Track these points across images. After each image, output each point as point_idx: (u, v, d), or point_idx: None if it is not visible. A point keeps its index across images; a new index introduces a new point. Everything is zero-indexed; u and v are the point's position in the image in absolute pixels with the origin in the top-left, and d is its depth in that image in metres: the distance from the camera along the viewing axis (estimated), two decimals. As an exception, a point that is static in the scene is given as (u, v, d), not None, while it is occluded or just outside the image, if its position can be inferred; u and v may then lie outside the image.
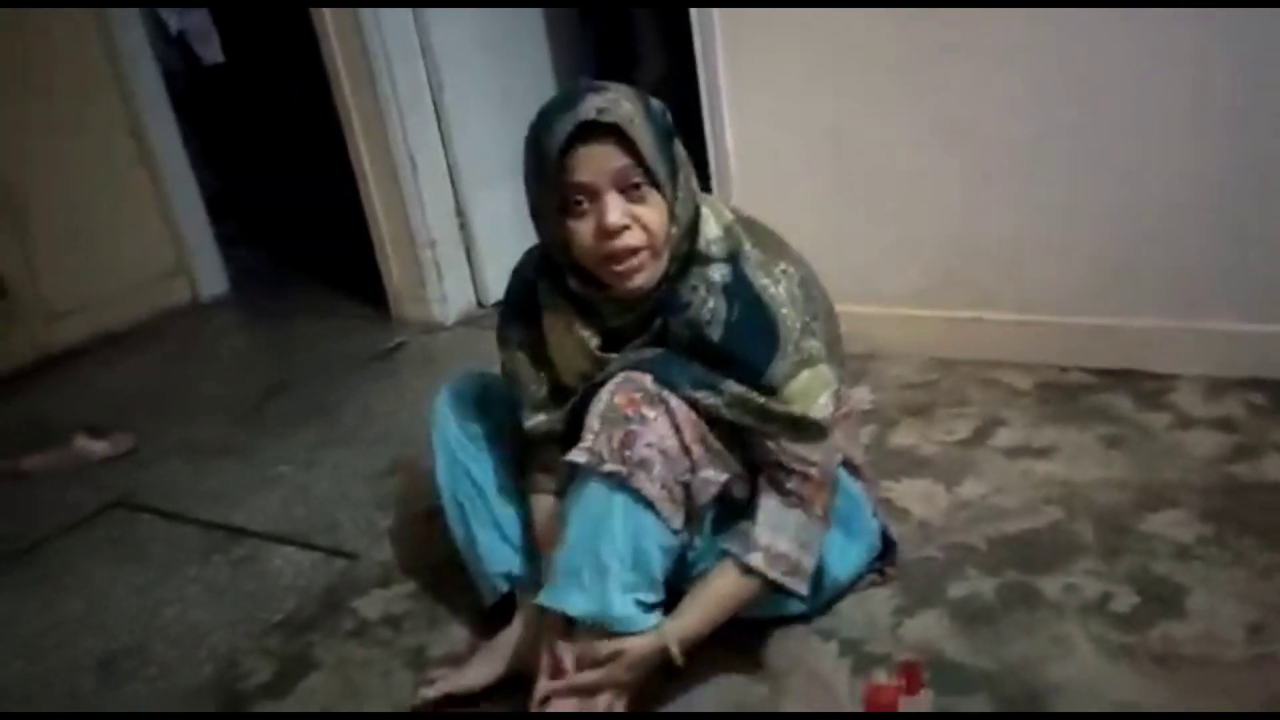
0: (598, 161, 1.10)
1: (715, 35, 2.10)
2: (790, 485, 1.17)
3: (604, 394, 1.14)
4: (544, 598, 1.14)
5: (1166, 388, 1.85)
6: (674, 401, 1.13)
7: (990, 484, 1.64)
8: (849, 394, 1.39)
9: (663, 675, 1.20)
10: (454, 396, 1.43)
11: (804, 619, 1.34)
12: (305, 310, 3.24)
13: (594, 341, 1.22)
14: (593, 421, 1.12)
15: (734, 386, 1.14)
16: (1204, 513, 1.48)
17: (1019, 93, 1.89)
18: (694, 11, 2.11)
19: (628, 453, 1.10)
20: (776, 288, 1.17)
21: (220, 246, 3.60)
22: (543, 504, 1.33)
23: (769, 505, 1.18)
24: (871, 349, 2.13)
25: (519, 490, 1.38)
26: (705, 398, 1.14)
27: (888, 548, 1.41)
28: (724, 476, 1.17)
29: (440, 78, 2.70)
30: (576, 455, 1.12)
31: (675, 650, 1.14)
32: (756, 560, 1.17)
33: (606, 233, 1.10)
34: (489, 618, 1.40)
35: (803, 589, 1.20)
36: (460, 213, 2.83)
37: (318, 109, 2.96)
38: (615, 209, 1.10)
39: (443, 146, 2.76)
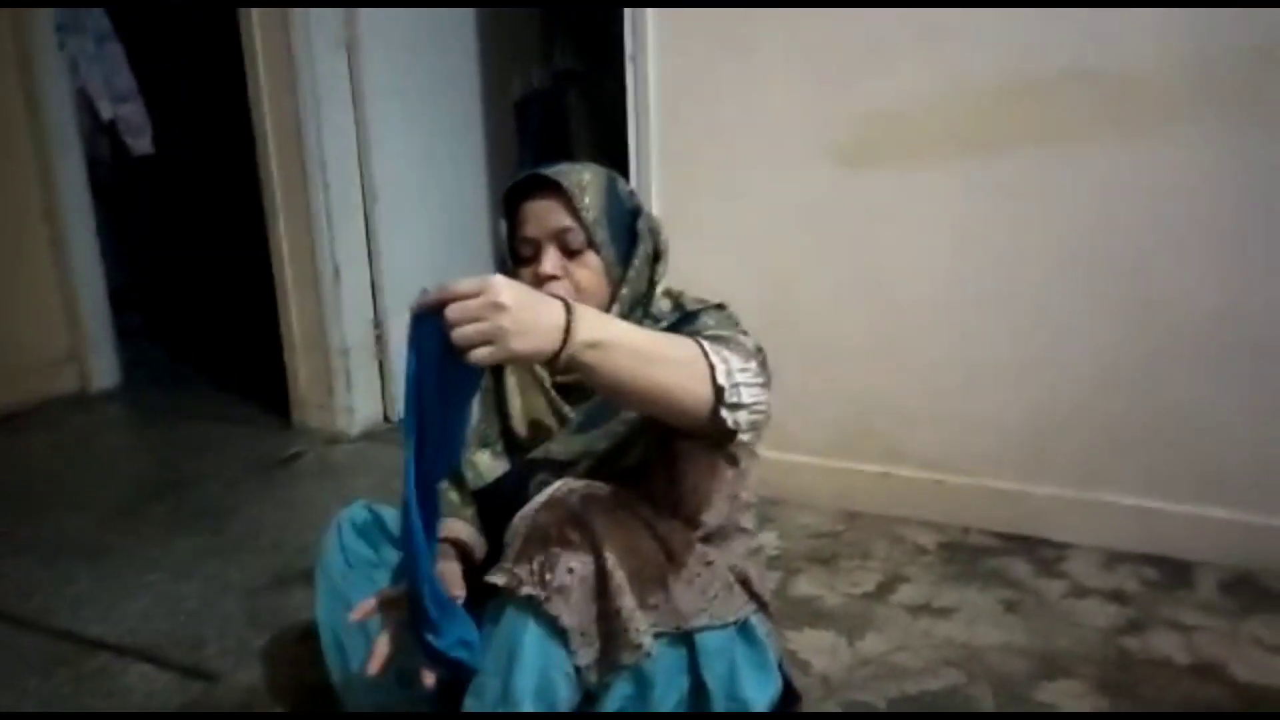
0: (541, 216, 1.19)
1: (651, 169, 2.18)
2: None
3: (529, 510, 1.10)
4: None
5: (1063, 555, 1.89)
6: (599, 526, 1.08)
7: (892, 641, 1.61)
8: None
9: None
10: (343, 525, 1.39)
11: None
12: (201, 411, 3.11)
13: (550, 386, 1.25)
14: (515, 541, 1.08)
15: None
16: (1098, 684, 1.48)
17: (939, 258, 1.98)
18: (632, 145, 2.18)
19: (548, 576, 1.05)
20: (720, 314, 1.21)
21: (121, 339, 3.48)
22: (451, 529, 1.29)
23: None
24: (780, 495, 2.13)
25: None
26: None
27: (790, 700, 1.35)
28: (648, 637, 1.09)
29: (375, 188, 2.71)
30: (496, 576, 1.07)
31: (579, 331, 0.93)
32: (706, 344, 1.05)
33: (539, 280, 1.17)
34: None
35: (730, 399, 1.04)
36: (378, 324, 2.80)
37: (243, 207, 2.93)
38: (549, 260, 1.18)
39: (369, 256, 2.75)
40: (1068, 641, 1.60)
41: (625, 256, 1.22)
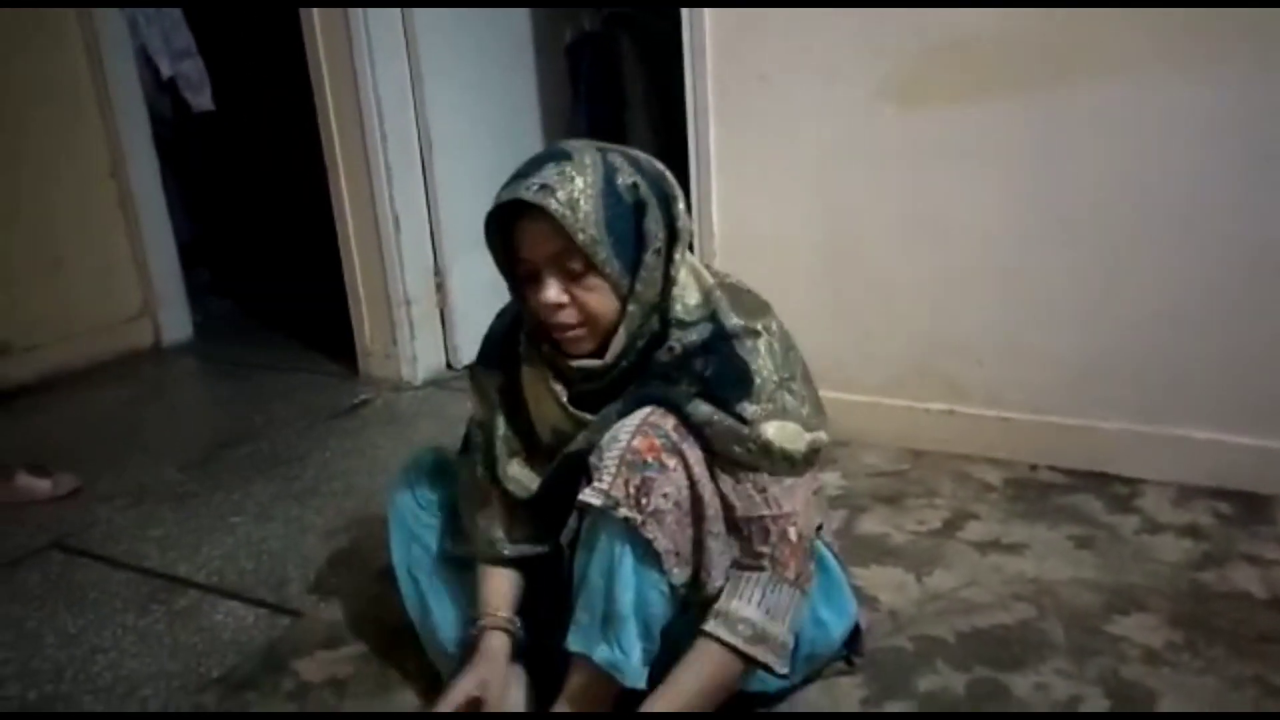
0: (535, 242, 1.12)
1: (708, 111, 2.14)
2: (763, 547, 1.13)
3: (622, 435, 1.10)
4: (572, 643, 1.12)
5: (1135, 492, 1.86)
6: (694, 453, 1.11)
7: (961, 577, 1.61)
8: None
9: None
10: (410, 467, 1.45)
11: (769, 701, 1.29)
12: (270, 362, 3.19)
13: (564, 396, 1.21)
14: (609, 463, 1.09)
15: (704, 407, 1.12)
16: (1173, 618, 1.46)
17: (1000, 194, 1.94)
18: (689, 87, 2.15)
19: (644, 500, 1.07)
20: (755, 343, 1.15)
21: (190, 294, 3.57)
22: (495, 573, 1.30)
23: (735, 573, 1.15)
24: (842, 436, 2.12)
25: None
26: (691, 408, 1.11)
27: (855, 634, 1.37)
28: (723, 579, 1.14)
29: (430, 136, 2.72)
30: (591, 496, 1.09)
31: None
32: (715, 626, 1.13)
33: (546, 309, 1.13)
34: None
35: (775, 662, 1.14)
36: (438, 273, 2.83)
37: (304, 162, 2.97)
38: (550, 288, 1.12)
39: (427, 206, 2.77)
40: (1141, 576, 1.58)
41: (633, 262, 1.13)
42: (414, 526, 1.41)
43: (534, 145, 3.00)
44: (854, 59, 1.99)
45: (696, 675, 1.14)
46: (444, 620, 1.35)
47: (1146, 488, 1.87)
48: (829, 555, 1.28)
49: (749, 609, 1.13)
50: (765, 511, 1.13)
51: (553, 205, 1.07)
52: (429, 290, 2.83)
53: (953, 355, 2.07)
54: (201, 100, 3.80)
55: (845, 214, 2.09)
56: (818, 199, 2.11)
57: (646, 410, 1.12)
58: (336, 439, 2.47)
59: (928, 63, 1.92)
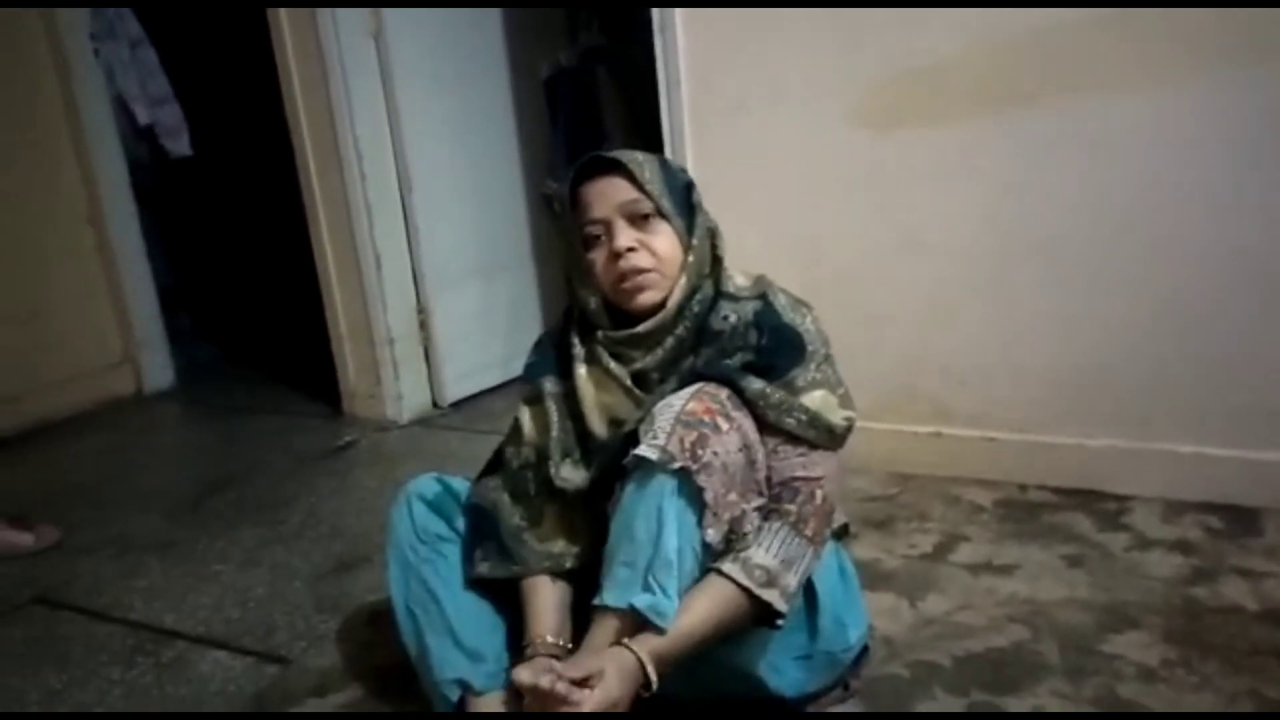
0: (605, 194, 1.23)
1: (685, 141, 2.16)
2: (790, 505, 1.18)
3: (676, 401, 1.15)
4: (608, 598, 1.12)
5: (1124, 508, 1.86)
6: (746, 422, 1.16)
7: (954, 600, 1.61)
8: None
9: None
10: (410, 498, 1.41)
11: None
12: (254, 406, 3.17)
13: (628, 379, 1.26)
14: (663, 424, 1.12)
15: (757, 382, 1.19)
16: (1166, 635, 1.46)
17: (977, 214, 1.96)
18: (665, 118, 2.17)
19: (699, 452, 1.10)
20: (804, 320, 1.26)
21: (171, 339, 3.55)
22: (544, 595, 1.27)
23: (757, 523, 1.17)
24: (832, 461, 2.12)
25: (474, 591, 1.33)
26: (745, 382, 1.18)
27: (863, 653, 1.37)
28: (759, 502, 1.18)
29: (410, 173, 2.73)
30: (648, 451, 1.11)
31: (650, 670, 1.08)
32: (731, 568, 1.14)
33: (617, 254, 1.22)
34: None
35: (781, 604, 1.14)
36: (422, 310, 2.82)
37: (283, 204, 2.97)
38: (623, 233, 1.22)
39: (408, 243, 2.77)
40: (1134, 594, 1.58)
41: (688, 228, 1.26)
42: (412, 559, 1.36)
43: (514, 179, 3.01)
44: (827, 86, 2.01)
45: (705, 605, 1.13)
46: (442, 659, 1.32)
47: (1135, 504, 1.87)
48: (850, 563, 1.30)
49: (766, 557, 1.15)
50: (799, 474, 1.19)
51: (625, 158, 1.23)
52: (413, 328, 2.83)
53: (938, 377, 2.08)
54: (179, 146, 3.80)
55: (825, 239, 2.10)
56: (797, 225, 2.12)
57: (700, 384, 1.17)
58: (323, 481, 2.45)
59: (899, 89, 1.95)
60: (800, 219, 2.12)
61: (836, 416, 1.22)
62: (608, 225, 1.23)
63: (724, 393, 1.17)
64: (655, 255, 1.23)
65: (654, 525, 1.11)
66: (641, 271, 1.23)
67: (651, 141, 2.23)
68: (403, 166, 2.72)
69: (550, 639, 1.23)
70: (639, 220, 1.23)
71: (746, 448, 1.15)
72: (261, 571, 1.97)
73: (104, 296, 3.33)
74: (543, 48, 3.17)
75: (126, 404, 3.33)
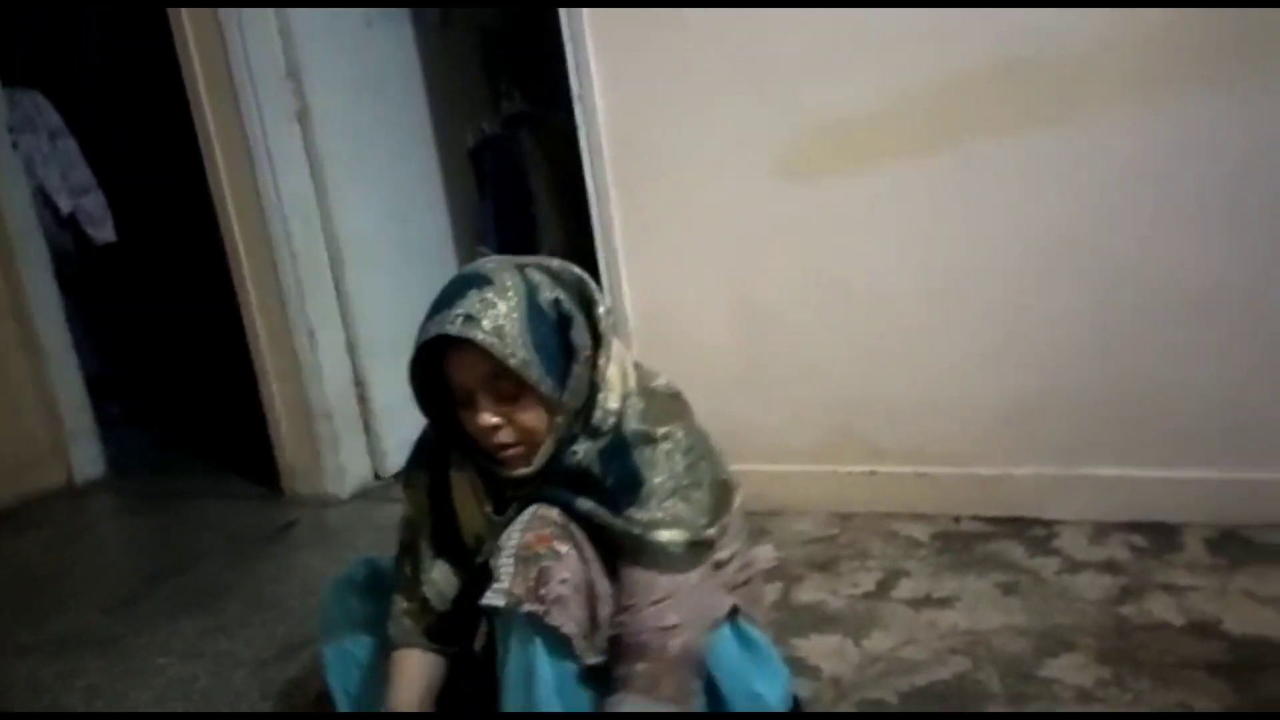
0: (467, 368, 1.14)
1: (610, 202, 2.22)
2: (639, 666, 1.11)
3: (514, 534, 1.14)
4: None
5: (1053, 532, 1.93)
6: (579, 534, 1.14)
7: (897, 636, 1.64)
8: (753, 555, 1.40)
9: None
10: (342, 583, 1.42)
11: None
12: (190, 491, 3.11)
13: (488, 507, 1.24)
14: (505, 563, 1.11)
15: (587, 502, 1.16)
16: (1100, 655, 1.51)
17: (898, 256, 2.03)
18: (590, 181, 2.22)
19: (543, 590, 1.09)
20: (652, 452, 1.16)
21: (101, 428, 3.47)
22: (410, 674, 1.28)
23: (611, 699, 1.12)
24: (773, 506, 2.16)
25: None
26: (577, 503, 1.15)
27: (795, 707, 1.38)
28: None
29: (340, 246, 2.75)
30: (494, 599, 1.10)
31: None
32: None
33: (484, 431, 1.15)
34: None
35: None
36: (359, 383, 2.82)
37: (212, 285, 2.95)
38: (485, 412, 1.15)
39: (341, 317, 2.77)
40: (1067, 617, 1.63)
41: (563, 374, 1.15)
42: (349, 645, 1.37)
43: (444, 246, 3.04)
44: (747, 141, 2.09)
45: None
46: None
47: (1063, 528, 1.93)
48: (754, 631, 1.29)
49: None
50: (649, 626, 1.12)
51: (479, 336, 1.10)
52: (350, 401, 2.81)
53: (870, 416, 2.13)
54: (103, 233, 3.77)
55: (755, 289, 2.16)
56: (726, 275, 2.18)
57: (534, 507, 1.16)
58: (265, 565, 2.41)
59: (819, 138, 2.02)
60: (730, 270, 2.18)
61: (678, 540, 1.14)
62: (471, 395, 1.15)
63: (554, 512, 1.15)
64: (521, 429, 1.15)
65: (525, 673, 1.10)
66: (508, 447, 1.16)
67: (579, 202, 2.28)
68: (333, 241, 2.73)
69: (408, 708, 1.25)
70: (504, 395, 1.14)
71: (586, 563, 1.13)
72: (204, 662, 1.93)
73: (29, 389, 3.26)
74: (467, 117, 3.23)
75: (58, 497, 3.24)
